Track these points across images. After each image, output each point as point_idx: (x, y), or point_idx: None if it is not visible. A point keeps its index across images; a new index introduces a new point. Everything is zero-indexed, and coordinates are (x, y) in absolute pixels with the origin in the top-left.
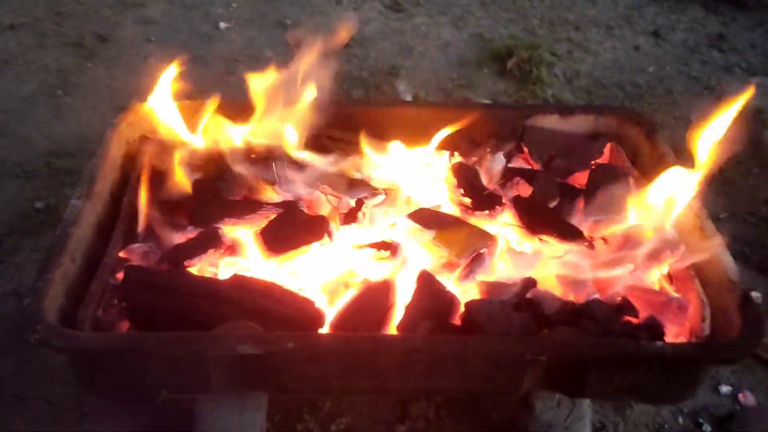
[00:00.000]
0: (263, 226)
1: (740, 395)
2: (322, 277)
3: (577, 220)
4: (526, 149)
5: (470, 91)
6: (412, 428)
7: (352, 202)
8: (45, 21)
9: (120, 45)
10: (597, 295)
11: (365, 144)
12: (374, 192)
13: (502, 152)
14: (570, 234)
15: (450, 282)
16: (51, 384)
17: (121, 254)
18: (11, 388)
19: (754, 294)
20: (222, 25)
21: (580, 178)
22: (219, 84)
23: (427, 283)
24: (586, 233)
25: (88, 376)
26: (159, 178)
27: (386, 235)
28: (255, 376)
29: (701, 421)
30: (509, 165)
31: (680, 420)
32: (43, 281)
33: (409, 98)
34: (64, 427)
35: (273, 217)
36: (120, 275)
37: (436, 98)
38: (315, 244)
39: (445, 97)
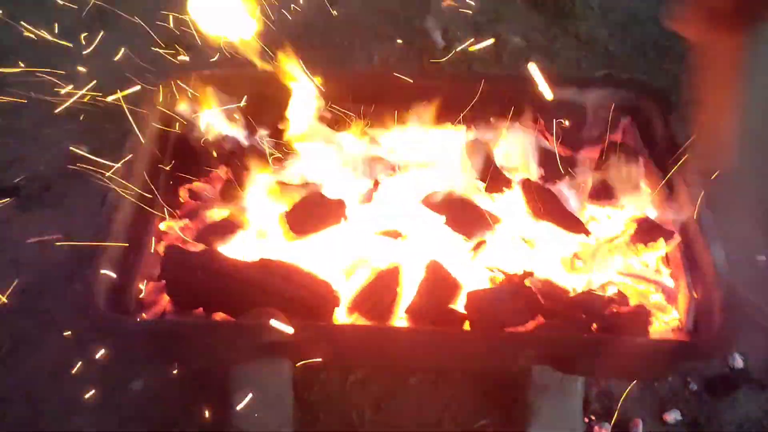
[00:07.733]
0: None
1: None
2: (339, 257)
3: (581, 201)
4: (541, 121)
5: (501, 26)
6: (423, 379)
7: (370, 183)
8: None
9: None
10: (594, 284)
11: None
12: (391, 170)
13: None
14: (571, 223)
15: (457, 266)
16: None
17: (162, 227)
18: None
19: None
20: None
21: (591, 152)
22: None
23: (434, 271)
24: (586, 220)
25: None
26: (191, 150)
27: (399, 218)
28: (279, 351)
29: (689, 380)
30: None
31: (669, 378)
32: (91, 270)
33: (438, 34)
34: None
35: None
36: (160, 249)
37: (466, 33)
38: (333, 227)
39: (475, 33)
